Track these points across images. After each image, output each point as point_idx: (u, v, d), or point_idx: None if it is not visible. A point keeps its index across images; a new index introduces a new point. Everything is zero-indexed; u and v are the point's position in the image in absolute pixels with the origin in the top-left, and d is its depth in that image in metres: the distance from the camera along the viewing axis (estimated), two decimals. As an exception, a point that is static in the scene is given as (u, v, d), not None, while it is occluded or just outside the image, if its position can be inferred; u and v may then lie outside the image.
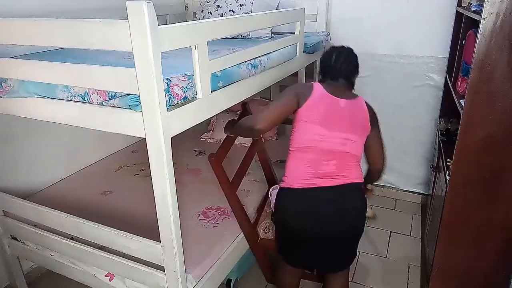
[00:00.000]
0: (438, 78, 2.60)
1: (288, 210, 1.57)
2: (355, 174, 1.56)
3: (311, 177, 1.51)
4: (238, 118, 1.81)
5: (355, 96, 1.60)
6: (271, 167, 2.14)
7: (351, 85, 1.64)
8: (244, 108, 1.94)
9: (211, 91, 1.37)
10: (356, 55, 1.65)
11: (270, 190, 1.82)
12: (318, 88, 1.55)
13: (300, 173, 1.53)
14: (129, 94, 1.16)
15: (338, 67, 1.60)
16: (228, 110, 2.84)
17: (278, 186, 1.65)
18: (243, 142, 2.72)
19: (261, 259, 1.98)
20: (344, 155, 1.53)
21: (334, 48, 1.66)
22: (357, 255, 1.89)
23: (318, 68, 1.75)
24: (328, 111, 1.52)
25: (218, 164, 1.69)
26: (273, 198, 1.70)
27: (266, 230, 1.83)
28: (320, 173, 1.50)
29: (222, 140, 1.86)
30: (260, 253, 1.94)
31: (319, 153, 1.51)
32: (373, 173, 1.69)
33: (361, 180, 1.60)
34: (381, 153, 1.64)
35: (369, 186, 1.80)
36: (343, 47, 1.66)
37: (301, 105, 1.52)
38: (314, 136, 1.51)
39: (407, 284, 2.14)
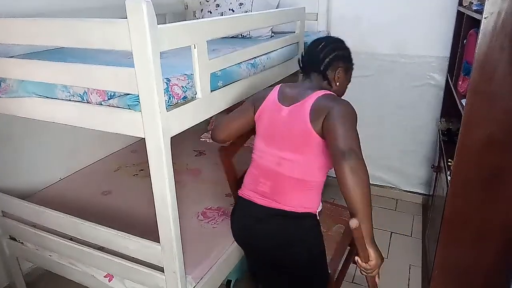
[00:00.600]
0: (439, 78, 2.59)
1: (234, 219, 1.48)
2: (293, 201, 1.29)
3: (251, 190, 1.38)
4: None
5: (306, 97, 1.26)
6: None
7: (327, 82, 1.37)
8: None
9: (211, 91, 1.36)
10: (338, 43, 1.43)
11: None
12: (274, 93, 1.37)
13: (246, 184, 1.42)
14: (128, 94, 1.16)
15: (304, 59, 1.41)
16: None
17: None
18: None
19: None
20: (279, 177, 1.29)
21: (314, 40, 1.43)
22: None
23: None
24: (270, 122, 1.33)
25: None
26: None
27: None
28: (258, 190, 1.35)
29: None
30: None
31: (258, 170, 1.36)
32: (343, 194, 1.08)
33: (305, 210, 1.30)
34: (342, 147, 1.09)
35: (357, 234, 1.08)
36: (323, 37, 1.47)
37: (255, 114, 1.39)
38: (256, 152, 1.38)
39: (408, 284, 2.13)
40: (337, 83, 1.39)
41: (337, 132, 1.12)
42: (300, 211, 1.29)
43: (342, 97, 1.34)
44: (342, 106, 1.20)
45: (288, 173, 1.28)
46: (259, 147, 1.37)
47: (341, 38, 1.47)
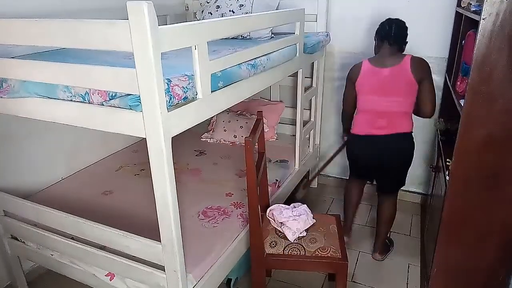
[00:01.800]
0: (438, 78, 2.59)
1: (355, 147, 2.18)
2: (403, 126, 2.01)
3: (368, 128, 2.05)
4: (253, 126, 1.83)
5: (400, 61, 1.93)
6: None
7: (400, 49, 2.01)
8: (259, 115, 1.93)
9: (211, 91, 1.37)
10: (406, 27, 2.01)
11: (275, 213, 1.81)
12: (365, 65, 2.02)
13: (361, 125, 2.09)
14: (130, 94, 1.17)
15: (391, 33, 1.97)
16: (228, 110, 2.87)
17: (279, 208, 1.83)
18: (243, 142, 2.72)
19: (259, 277, 1.77)
20: (392, 114, 1.99)
21: (389, 19, 2.02)
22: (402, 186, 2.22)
23: (375, 36, 2.07)
24: (375, 81, 1.98)
25: (251, 147, 1.63)
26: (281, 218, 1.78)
27: (272, 244, 1.72)
28: (375, 126, 2.02)
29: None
30: (260, 270, 1.75)
31: (374, 113, 2.02)
32: (423, 116, 2.02)
33: (409, 130, 2.02)
34: (427, 101, 1.94)
35: None
36: (397, 19, 2.02)
37: (356, 83, 2.05)
38: (367, 103, 2.04)
39: (407, 283, 2.14)
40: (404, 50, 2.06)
41: (428, 96, 1.95)
42: (406, 131, 2.03)
43: None
44: (430, 77, 1.96)
45: (399, 109, 1.98)
46: (371, 99, 2.02)
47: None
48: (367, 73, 2.01)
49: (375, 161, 2.11)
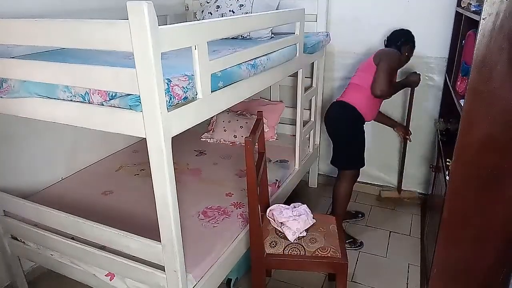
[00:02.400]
0: (438, 78, 2.60)
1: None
2: (348, 96, 2.24)
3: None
4: (253, 126, 1.82)
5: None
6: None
7: (397, 48, 2.25)
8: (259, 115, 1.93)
9: (211, 91, 1.37)
10: (405, 32, 2.29)
11: (275, 213, 1.79)
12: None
13: None
14: (130, 94, 1.17)
15: (388, 38, 2.33)
16: (228, 110, 2.87)
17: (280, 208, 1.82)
18: (243, 142, 2.72)
19: (259, 277, 1.77)
20: (350, 85, 2.28)
21: (395, 30, 2.34)
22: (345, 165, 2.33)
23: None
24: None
25: (251, 147, 1.62)
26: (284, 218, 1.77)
27: (272, 244, 1.71)
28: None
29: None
30: (260, 270, 1.75)
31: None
32: (372, 93, 2.16)
33: (351, 101, 2.20)
34: (374, 80, 2.11)
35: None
36: (400, 29, 2.33)
37: None
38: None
39: (407, 283, 2.14)
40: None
41: (376, 76, 2.13)
42: (349, 102, 2.21)
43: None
44: (386, 60, 2.18)
45: (355, 81, 2.26)
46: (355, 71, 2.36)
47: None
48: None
49: (327, 127, 2.36)
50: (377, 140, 2.88)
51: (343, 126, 2.25)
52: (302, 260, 1.68)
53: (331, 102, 2.35)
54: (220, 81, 1.42)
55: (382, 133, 2.84)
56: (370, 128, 2.86)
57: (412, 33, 2.30)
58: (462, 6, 2.03)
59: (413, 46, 2.31)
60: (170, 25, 1.17)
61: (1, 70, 1.40)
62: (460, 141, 1.58)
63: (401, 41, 2.26)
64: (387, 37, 2.33)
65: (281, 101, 3.06)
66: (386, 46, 2.31)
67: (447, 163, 1.72)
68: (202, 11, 2.56)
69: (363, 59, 2.72)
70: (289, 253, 1.68)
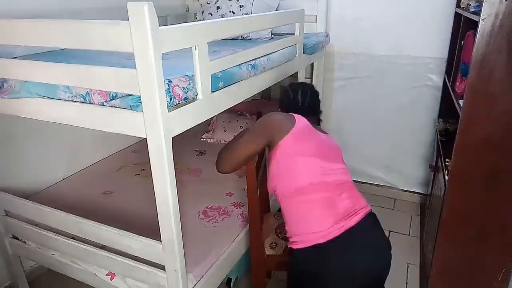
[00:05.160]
0: (437, 79, 2.60)
1: (331, 272, 1.25)
2: (364, 200, 1.39)
3: (336, 221, 1.24)
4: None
5: (326, 132, 1.56)
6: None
7: (318, 121, 1.64)
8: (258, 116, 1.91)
9: (212, 92, 1.38)
10: (318, 92, 1.65)
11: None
12: (300, 118, 1.41)
13: (319, 222, 1.25)
14: (130, 95, 1.17)
15: (306, 104, 1.57)
16: (228, 110, 2.87)
17: None
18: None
19: (259, 279, 1.75)
20: (349, 184, 1.37)
21: (296, 85, 1.63)
22: None
23: (279, 102, 1.65)
24: (319, 143, 1.39)
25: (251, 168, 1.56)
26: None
27: (272, 246, 1.70)
28: (341, 212, 1.26)
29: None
30: (261, 272, 1.73)
31: (327, 188, 1.29)
32: None
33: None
34: None
35: None
36: (304, 84, 1.67)
37: (281, 138, 1.33)
38: (315, 170, 1.30)
39: (406, 283, 2.14)
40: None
41: None
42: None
43: None
44: None
45: (349, 179, 1.40)
46: (318, 164, 1.31)
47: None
48: (308, 129, 1.42)
49: (376, 272, 1.34)
50: (376, 140, 2.89)
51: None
52: None
53: (363, 223, 1.30)
54: (220, 81, 1.43)
55: (380, 134, 2.85)
56: (368, 128, 2.87)
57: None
58: (462, 6, 2.04)
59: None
60: (170, 25, 1.17)
61: (2, 70, 1.41)
62: (460, 141, 1.58)
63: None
64: (312, 100, 1.61)
65: (281, 101, 3.06)
66: (311, 113, 1.57)
67: (447, 163, 1.73)
68: (203, 12, 2.56)
69: (362, 59, 2.73)
70: None
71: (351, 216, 1.27)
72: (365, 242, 1.28)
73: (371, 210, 1.35)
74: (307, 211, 1.29)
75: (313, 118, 1.56)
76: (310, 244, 1.24)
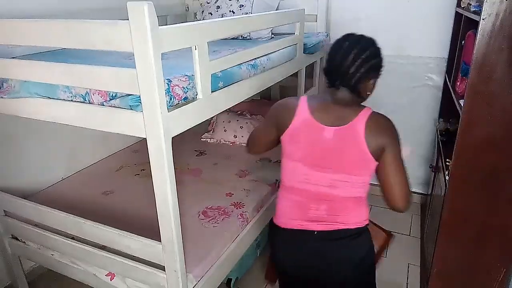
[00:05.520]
0: (438, 79, 2.60)
1: (278, 248, 1.38)
2: (353, 218, 1.27)
3: (299, 218, 1.29)
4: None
5: (352, 118, 1.18)
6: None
7: (357, 95, 1.22)
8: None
9: (212, 92, 1.38)
10: (374, 50, 1.21)
11: None
12: (303, 109, 1.23)
13: (287, 214, 1.32)
14: (130, 95, 1.17)
15: (340, 70, 1.18)
16: (228, 110, 2.87)
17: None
18: (243, 142, 2.73)
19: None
20: (336, 199, 1.24)
21: (341, 40, 1.21)
22: None
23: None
24: (312, 144, 1.22)
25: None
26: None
27: None
28: (309, 217, 1.27)
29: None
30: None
31: (305, 196, 1.26)
32: (392, 209, 1.25)
33: (362, 224, 1.29)
34: (393, 187, 1.19)
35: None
36: (354, 38, 1.21)
37: (282, 132, 1.27)
38: (299, 177, 1.26)
39: (407, 283, 2.14)
40: (368, 93, 1.25)
41: (394, 179, 1.19)
42: (363, 225, 1.29)
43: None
44: (397, 146, 1.21)
45: (345, 194, 1.24)
46: (303, 171, 1.24)
47: (371, 38, 1.26)
48: (303, 126, 1.23)
49: (310, 275, 1.34)
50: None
51: (368, 267, 1.36)
52: None
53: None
54: (220, 81, 1.43)
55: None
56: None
57: (376, 45, 1.25)
58: (462, 6, 2.04)
59: (382, 68, 1.25)
60: (170, 25, 1.17)
61: (1, 70, 1.41)
62: (460, 141, 1.58)
63: (361, 74, 1.18)
64: (337, 64, 1.19)
65: (281, 101, 3.06)
66: (335, 83, 1.22)
67: (447, 163, 1.72)
68: (202, 11, 2.56)
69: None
70: None
71: (319, 222, 1.27)
72: (298, 244, 1.32)
73: (353, 229, 1.27)
74: (283, 203, 1.36)
75: (346, 91, 1.21)
76: (274, 222, 1.38)
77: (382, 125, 1.20)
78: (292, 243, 1.33)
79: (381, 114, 1.23)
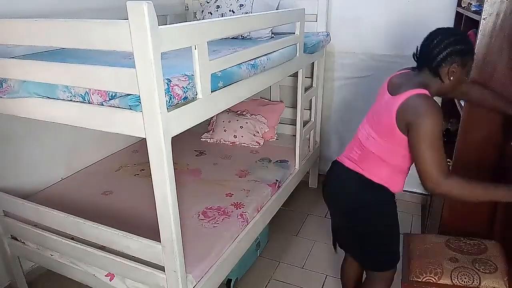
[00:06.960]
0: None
1: (328, 175, 1.66)
2: (372, 170, 1.42)
3: (345, 156, 1.56)
4: None
5: (403, 92, 1.28)
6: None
7: (435, 75, 1.31)
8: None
9: (211, 91, 1.37)
10: (460, 38, 1.28)
11: None
12: (387, 79, 1.47)
13: (344, 151, 1.59)
14: (130, 94, 1.17)
15: (425, 51, 1.33)
16: (228, 110, 2.87)
17: None
18: (243, 142, 2.73)
19: None
20: (366, 151, 1.43)
21: (435, 29, 1.36)
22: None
23: None
24: (377, 102, 1.47)
25: None
26: None
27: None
28: (350, 156, 1.52)
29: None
30: None
31: (354, 141, 1.54)
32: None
33: (375, 178, 1.42)
34: (416, 164, 1.26)
35: None
36: (446, 28, 1.35)
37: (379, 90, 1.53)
38: (360, 125, 1.54)
39: (407, 284, 2.13)
40: (451, 78, 1.29)
41: (417, 161, 1.26)
42: (377, 183, 1.43)
43: (452, 92, 1.41)
44: (425, 125, 1.22)
45: (373, 149, 1.41)
46: (362, 123, 1.52)
47: (462, 32, 1.42)
48: (380, 90, 1.47)
49: (332, 202, 1.61)
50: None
51: (359, 210, 1.48)
52: None
53: (334, 164, 1.61)
54: (220, 81, 1.42)
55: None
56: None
57: (466, 37, 1.34)
58: (463, 6, 2.04)
59: (468, 60, 1.31)
60: (170, 25, 1.17)
61: (1, 70, 1.40)
62: (461, 142, 1.58)
63: (442, 56, 1.27)
64: (421, 46, 1.37)
65: (281, 101, 3.06)
66: (417, 64, 1.39)
67: (448, 163, 1.72)
68: (202, 11, 2.56)
69: (363, 59, 2.72)
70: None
71: (352, 161, 1.50)
72: (332, 173, 1.61)
73: (359, 172, 1.46)
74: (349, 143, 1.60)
75: (426, 69, 1.33)
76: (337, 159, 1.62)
77: (412, 104, 1.26)
78: (334, 171, 1.59)
79: (425, 96, 1.26)
